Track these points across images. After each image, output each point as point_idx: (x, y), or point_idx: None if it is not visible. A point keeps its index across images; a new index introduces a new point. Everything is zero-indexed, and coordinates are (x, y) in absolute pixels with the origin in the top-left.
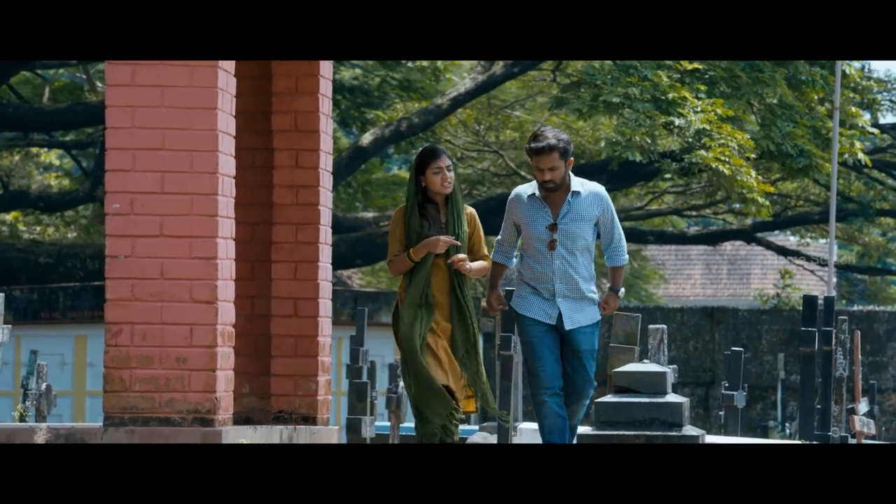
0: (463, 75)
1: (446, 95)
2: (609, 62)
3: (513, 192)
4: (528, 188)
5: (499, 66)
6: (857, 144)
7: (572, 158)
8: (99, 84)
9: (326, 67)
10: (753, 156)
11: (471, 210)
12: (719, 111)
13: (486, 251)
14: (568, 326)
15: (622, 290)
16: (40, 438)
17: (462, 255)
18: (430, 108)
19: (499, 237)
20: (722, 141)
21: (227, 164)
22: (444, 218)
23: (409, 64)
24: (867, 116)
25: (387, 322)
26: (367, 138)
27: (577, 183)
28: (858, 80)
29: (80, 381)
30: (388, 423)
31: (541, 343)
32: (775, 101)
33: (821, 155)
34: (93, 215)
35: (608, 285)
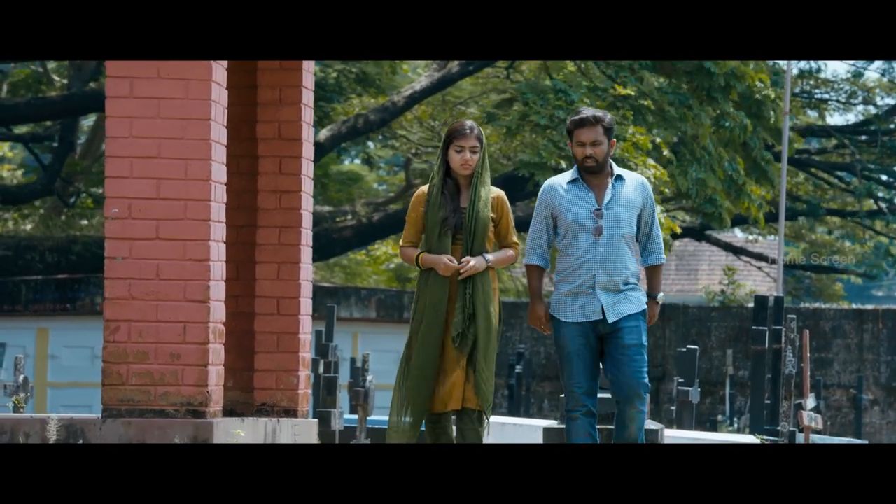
0: (418, 71)
1: (402, 93)
2: (549, 82)
3: (544, 185)
4: (562, 176)
5: (454, 65)
6: (762, 207)
7: (615, 140)
8: (56, 78)
9: (309, 79)
10: (667, 190)
11: (499, 193)
12: (635, 138)
13: (514, 238)
14: (612, 319)
15: (662, 295)
16: (52, 429)
17: (466, 261)
18: (387, 104)
19: (529, 238)
20: (637, 172)
21: (219, 171)
22: (464, 202)
23: None
24: (815, 114)
25: (345, 317)
26: (323, 134)
27: (619, 169)
28: (773, 124)
29: (42, 372)
30: (356, 416)
31: (578, 356)
32: (696, 137)
33: (728, 207)
34: (50, 208)
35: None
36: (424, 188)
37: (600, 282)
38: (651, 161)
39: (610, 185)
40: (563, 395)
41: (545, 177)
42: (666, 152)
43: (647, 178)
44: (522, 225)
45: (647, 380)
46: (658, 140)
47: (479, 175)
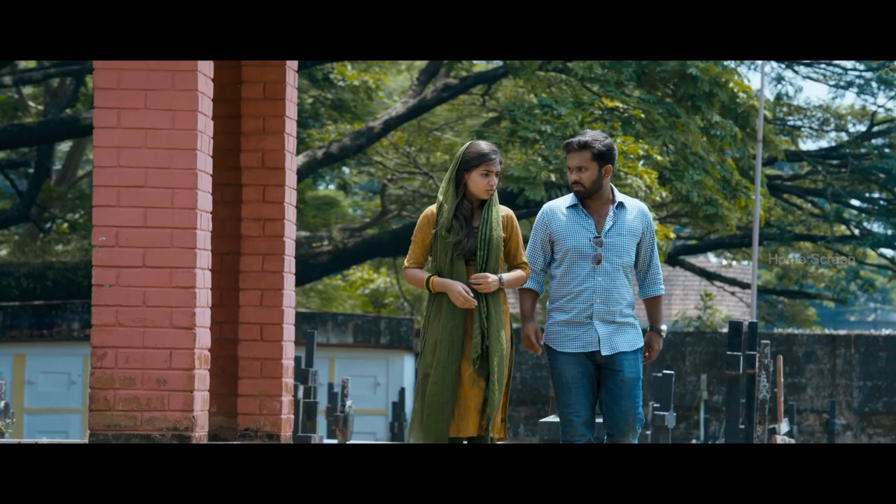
0: (394, 97)
1: (379, 118)
2: (533, 98)
3: (543, 207)
4: (562, 200)
5: (429, 91)
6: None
7: (611, 167)
8: (32, 105)
9: (291, 109)
10: (659, 199)
11: (508, 212)
12: (625, 147)
13: (523, 258)
14: (606, 352)
15: (665, 326)
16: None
17: (481, 276)
18: (363, 130)
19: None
20: (628, 181)
21: (204, 200)
22: (476, 221)
23: (342, 83)
24: (787, 137)
25: (322, 342)
26: (299, 160)
27: (620, 196)
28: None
29: (19, 398)
30: (336, 441)
31: (577, 385)
32: (688, 143)
33: (727, 206)
34: (26, 234)
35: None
36: (433, 208)
37: (598, 312)
38: (641, 167)
39: (611, 213)
40: (541, 420)
41: (536, 192)
42: (659, 157)
43: (638, 185)
44: None
45: (641, 414)
46: (647, 147)
47: (493, 196)
